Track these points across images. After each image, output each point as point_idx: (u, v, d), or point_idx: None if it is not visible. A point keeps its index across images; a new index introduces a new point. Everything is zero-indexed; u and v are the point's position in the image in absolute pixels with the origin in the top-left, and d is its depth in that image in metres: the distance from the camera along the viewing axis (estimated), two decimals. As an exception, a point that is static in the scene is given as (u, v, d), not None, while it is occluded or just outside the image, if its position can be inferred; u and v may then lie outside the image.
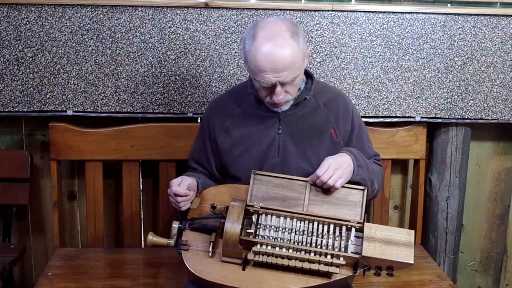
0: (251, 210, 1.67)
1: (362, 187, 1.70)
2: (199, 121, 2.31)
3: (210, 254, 1.65)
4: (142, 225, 2.38)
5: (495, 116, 2.35)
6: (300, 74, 1.69)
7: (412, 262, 1.60)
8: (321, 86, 1.90)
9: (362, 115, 2.29)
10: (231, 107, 1.86)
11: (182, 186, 1.69)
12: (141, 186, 2.36)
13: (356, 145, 1.88)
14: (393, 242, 1.62)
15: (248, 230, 1.65)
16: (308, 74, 1.85)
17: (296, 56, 1.63)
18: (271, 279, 1.63)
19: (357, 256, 1.61)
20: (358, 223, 1.66)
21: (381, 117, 2.33)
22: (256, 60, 1.62)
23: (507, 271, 2.65)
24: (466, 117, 2.34)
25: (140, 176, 2.33)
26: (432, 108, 2.32)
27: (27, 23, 2.13)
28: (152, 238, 1.73)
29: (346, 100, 1.90)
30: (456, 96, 2.31)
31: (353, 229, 1.66)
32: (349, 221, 1.66)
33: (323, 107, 1.84)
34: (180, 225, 1.71)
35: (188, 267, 1.66)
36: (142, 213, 2.38)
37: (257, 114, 1.82)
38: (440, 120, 2.35)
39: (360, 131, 1.91)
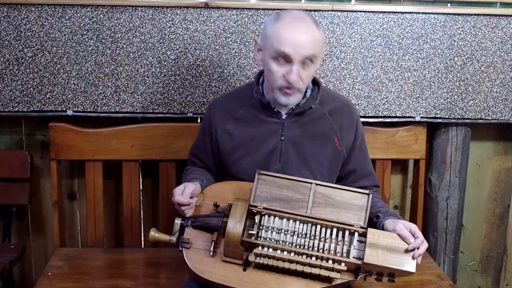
0: (254, 210, 1.65)
1: (367, 191, 1.67)
2: (199, 121, 2.31)
3: (211, 254, 1.65)
4: (142, 225, 2.38)
5: (495, 116, 2.35)
6: (316, 62, 1.69)
7: (414, 271, 1.58)
8: (328, 93, 1.88)
9: (362, 115, 2.29)
10: (234, 108, 1.84)
11: (185, 194, 1.66)
12: (141, 186, 2.36)
13: (357, 156, 1.88)
14: (395, 249, 1.60)
15: (250, 232, 1.63)
16: (315, 81, 1.83)
17: (317, 37, 1.66)
18: (272, 281, 1.62)
19: (359, 262, 1.59)
20: (361, 227, 1.63)
21: (381, 117, 2.33)
22: (279, 35, 1.63)
23: (507, 271, 2.65)
24: (466, 117, 2.34)
25: (140, 176, 2.33)
26: (432, 108, 2.32)
27: (27, 23, 2.13)
28: (154, 234, 1.72)
29: (352, 110, 1.88)
30: (456, 96, 2.31)
31: (356, 234, 1.64)
32: (352, 226, 1.63)
33: (328, 115, 1.83)
34: (183, 222, 1.70)
35: (189, 266, 1.65)
36: (142, 213, 2.37)
37: (261, 118, 1.81)
38: (440, 120, 2.35)
39: (363, 144, 1.90)
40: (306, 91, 1.80)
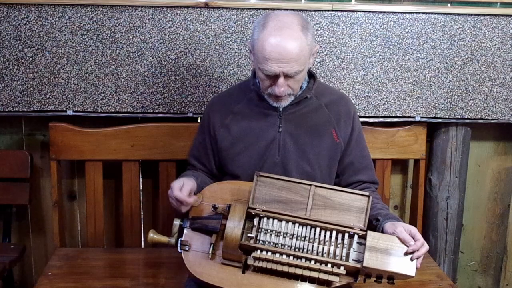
0: (253, 213, 1.64)
1: (367, 193, 1.66)
2: (199, 120, 2.31)
3: (210, 256, 1.65)
4: (142, 225, 2.38)
5: (495, 116, 2.35)
6: (304, 70, 1.69)
7: (413, 275, 1.57)
8: (324, 87, 1.91)
9: (362, 115, 2.29)
10: (232, 103, 1.85)
11: (184, 191, 1.66)
12: (141, 186, 2.36)
13: (354, 148, 1.87)
14: (395, 253, 1.58)
15: (249, 235, 1.63)
16: (310, 74, 1.85)
17: (303, 50, 1.64)
18: (271, 284, 1.62)
19: (358, 265, 1.59)
20: (361, 230, 1.62)
21: (381, 117, 2.33)
22: (263, 48, 1.63)
23: (507, 271, 2.65)
24: (466, 117, 2.34)
25: (140, 176, 2.33)
26: (432, 108, 2.32)
27: (27, 23, 2.13)
28: (153, 235, 1.72)
29: (348, 103, 1.89)
30: (456, 96, 2.31)
31: (356, 236, 1.63)
32: (352, 228, 1.62)
33: (325, 107, 1.84)
34: (182, 223, 1.70)
35: (188, 269, 1.65)
36: (142, 213, 2.37)
37: (258, 111, 1.82)
38: (440, 120, 2.35)
39: (359, 137, 1.90)
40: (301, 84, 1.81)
